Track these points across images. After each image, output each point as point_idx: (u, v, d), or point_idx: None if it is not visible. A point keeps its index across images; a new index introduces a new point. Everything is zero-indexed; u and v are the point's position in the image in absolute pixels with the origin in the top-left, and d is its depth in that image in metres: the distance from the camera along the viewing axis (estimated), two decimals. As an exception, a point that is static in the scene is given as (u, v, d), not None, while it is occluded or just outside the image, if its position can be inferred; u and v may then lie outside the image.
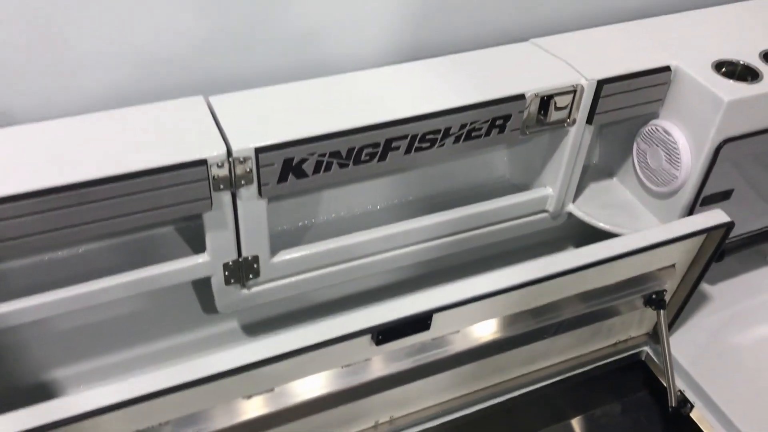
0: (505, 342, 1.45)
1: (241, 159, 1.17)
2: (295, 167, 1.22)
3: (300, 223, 1.53)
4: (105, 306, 1.28)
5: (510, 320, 1.41)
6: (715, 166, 1.46)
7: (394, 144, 1.28)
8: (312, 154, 1.22)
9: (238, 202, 1.23)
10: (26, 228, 1.08)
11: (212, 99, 1.26)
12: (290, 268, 1.38)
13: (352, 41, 1.48)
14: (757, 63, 1.47)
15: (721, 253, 1.70)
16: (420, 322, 1.22)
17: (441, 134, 1.31)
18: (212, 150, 1.16)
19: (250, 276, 1.35)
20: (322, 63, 1.46)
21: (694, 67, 1.44)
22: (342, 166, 1.26)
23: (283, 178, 1.22)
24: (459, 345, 1.38)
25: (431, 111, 1.28)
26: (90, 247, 1.36)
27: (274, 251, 1.36)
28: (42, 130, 1.18)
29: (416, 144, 1.30)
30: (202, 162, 1.15)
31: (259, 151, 1.18)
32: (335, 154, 1.24)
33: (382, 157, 1.29)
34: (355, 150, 1.25)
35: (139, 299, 1.41)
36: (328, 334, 1.14)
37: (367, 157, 1.27)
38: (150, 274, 1.26)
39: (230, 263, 1.32)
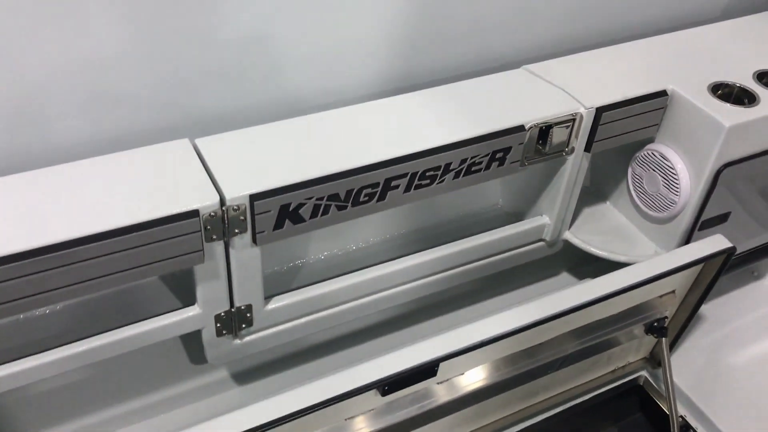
0: (509, 381, 1.40)
1: (236, 207, 1.10)
2: (292, 213, 1.15)
3: (291, 264, 1.45)
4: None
5: (513, 359, 1.36)
6: (715, 191, 1.44)
7: (393, 183, 1.21)
8: (309, 199, 1.15)
9: (231, 252, 1.16)
10: (4, 294, 0.99)
11: (199, 142, 1.18)
12: (285, 315, 1.31)
13: (340, 72, 1.42)
14: (752, 85, 1.45)
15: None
16: (427, 370, 1.16)
17: (441, 170, 1.25)
18: (204, 199, 1.08)
19: (243, 326, 1.27)
20: (308, 97, 1.40)
21: (690, 91, 1.41)
22: (340, 208, 1.19)
23: (279, 224, 1.15)
24: (463, 388, 1.33)
25: (431, 147, 1.22)
26: (69, 301, 1.27)
27: (267, 298, 1.28)
28: (17, 184, 1.08)
29: (416, 182, 1.24)
30: (194, 213, 1.07)
31: (254, 198, 1.10)
32: (333, 197, 1.17)
33: (382, 197, 1.22)
34: (354, 191, 1.18)
35: (122, 355, 1.32)
36: (334, 390, 1.07)
37: (366, 198, 1.21)
38: (136, 332, 1.18)
39: (222, 314, 1.24)
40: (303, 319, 1.34)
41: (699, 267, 1.46)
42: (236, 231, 1.12)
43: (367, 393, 1.12)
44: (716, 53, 1.55)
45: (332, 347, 1.55)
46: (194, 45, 1.23)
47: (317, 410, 1.05)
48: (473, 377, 1.35)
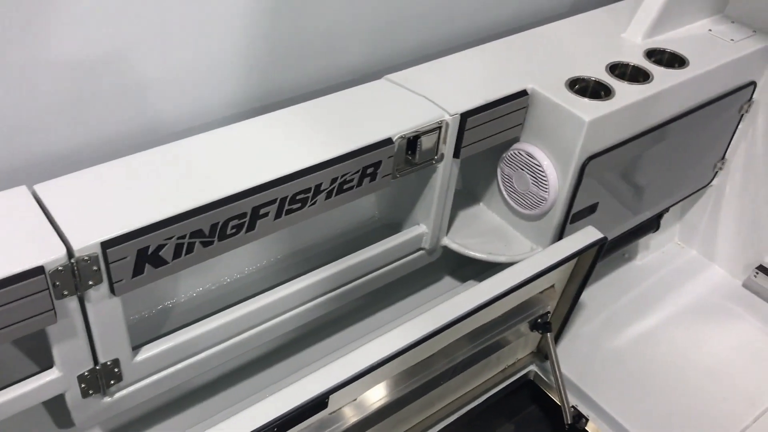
0: (403, 398, 1.37)
1: (86, 258, 0.99)
2: (152, 256, 1.05)
3: (160, 306, 1.34)
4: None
5: (405, 376, 1.33)
6: (581, 184, 1.46)
7: (262, 211, 1.14)
8: (170, 239, 1.05)
9: (88, 306, 1.04)
10: None
11: (38, 188, 1.06)
12: (157, 364, 1.21)
13: (194, 95, 1.33)
14: (606, 78, 1.49)
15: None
16: (317, 405, 1.11)
17: (312, 192, 1.19)
18: (49, 253, 0.96)
19: (112, 382, 1.16)
20: (161, 125, 1.30)
21: (549, 89, 1.43)
22: (206, 244, 1.11)
23: (138, 270, 1.05)
24: (357, 413, 1.28)
25: (299, 169, 1.16)
26: None
27: (135, 348, 1.18)
28: None
29: (287, 207, 1.17)
30: (39, 270, 0.95)
31: (106, 245, 1.00)
32: (197, 234, 1.08)
33: (251, 227, 1.15)
34: (220, 225, 1.10)
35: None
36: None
37: (234, 230, 1.13)
38: (-13, 407, 1.04)
39: (86, 374, 1.12)
40: (178, 366, 1.24)
41: (575, 260, 1.49)
42: (90, 283, 1.01)
43: (258, 436, 1.05)
44: (570, 49, 1.59)
45: (216, 386, 1.45)
46: (15, 70, 1.10)
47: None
48: (367, 400, 1.30)
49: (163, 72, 1.27)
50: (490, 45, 1.57)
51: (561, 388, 1.57)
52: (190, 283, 1.39)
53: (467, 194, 1.70)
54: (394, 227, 1.57)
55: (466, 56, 1.53)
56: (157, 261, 1.06)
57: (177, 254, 1.08)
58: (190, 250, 1.09)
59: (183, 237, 1.07)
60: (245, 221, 1.13)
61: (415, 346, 1.19)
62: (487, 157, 1.56)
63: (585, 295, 1.89)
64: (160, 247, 1.05)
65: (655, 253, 2.04)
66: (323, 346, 1.60)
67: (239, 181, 1.11)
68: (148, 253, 1.04)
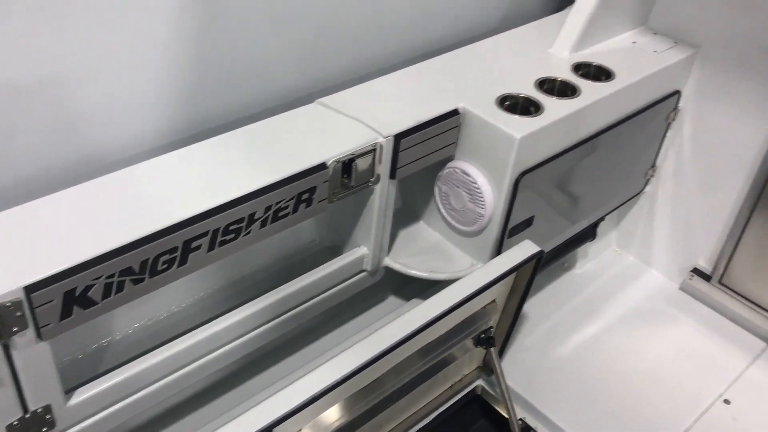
0: (349, 424, 1.36)
1: (8, 304, 0.95)
2: (80, 297, 1.02)
3: (94, 346, 1.30)
4: None
5: (351, 402, 1.32)
6: (516, 199, 1.48)
7: (194, 244, 1.12)
8: (98, 278, 1.02)
9: (13, 353, 1.00)
10: None
11: (-47, 232, 1.01)
12: (93, 407, 1.17)
13: (122, 126, 1.30)
14: (535, 93, 1.51)
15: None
16: (262, 438, 1.09)
17: (246, 222, 1.17)
18: (-34, 302, 0.92)
19: (44, 430, 1.11)
20: (88, 159, 1.26)
21: (479, 107, 1.45)
22: (137, 282, 1.08)
23: (66, 313, 1.01)
24: (304, 443, 1.26)
25: (231, 199, 1.14)
26: None
27: (68, 392, 1.13)
28: None
29: (219, 238, 1.15)
30: (-46, 321, 0.91)
31: (30, 289, 0.96)
32: (126, 272, 1.05)
33: (183, 262, 1.12)
34: (150, 261, 1.07)
35: None
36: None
37: (165, 266, 1.10)
38: None
39: (15, 423, 1.07)
40: (116, 406, 1.20)
41: (514, 274, 1.50)
42: (15, 330, 0.97)
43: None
44: (499, 66, 1.61)
45: (156, 425, 1.41)
46: None
47: None
48: (316, 428, 1.28)
49: (89, 104, 1.24)
50: (421, 65, 1.58)
51: (508, 401, 1.58)
52: (126, 320, 1.35)
53: (407, 213, 1.70)
54: (335, 250, 1.56)
55: (397, 77, 1.54)
56: (86, 302, 1.03)
57: (107, 294, 1.05)
58: (120, 288, 1.06)
59: (112, 276, 1.04)
60: (176, 256, 1.10)
61: (359, 371, 1.18)
62: (424, 176, 1.57)
63: (527, 307, 1.91)
64: (89, 287, 1.02)
65: (593, 261, 2.08)
66: (270, 374, 1.58)
67: (169, 214, 1.09)
68: (75, 295, 1.01)
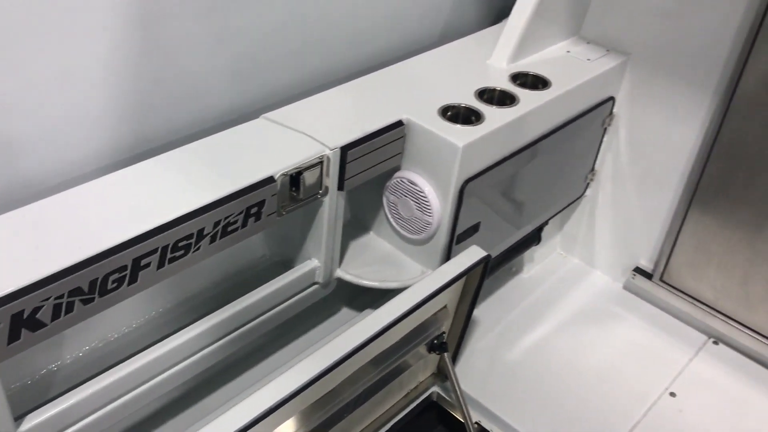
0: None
1: (-47, 330, 0.93)
2: (28, 320, 1.01)
3: (44, 371, 1.28)
4: None
5: (309, 413, 1.32)
6: (462, 206, 1.52)
7: (143, 262, 1.12)
8: (46, 300, 1.01)
9: (-41, 381, 0.98)
10: None
11: None
12: (45, 432, 1.15)
13: (63, 148, 1.29)
14: (475, 103, 1.55)
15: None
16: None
17: (195, 238, 1.18)
18: None
19: (-6, 459, 1.09)
20: (29, 182, 1.25)
21: (423, 117, 1.48)
22: (87, 302, 1.07)
23: (14, 336, 1.00)
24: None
25: (178, 216, 1.14)
26: None
27: (18, 419, 1.12)
28: None
29: (169, 255, 1.15)
30: None
31: (-25, 314, 0.95)
32: (75, 292, 1.05)
33: (133, 280, 1.12)
34: (99, 280, 1.07)
35: None
36: None
37: (115, 284, 1.10)
38: None
39: (-38, 454, 1.05)
40: (69, 430, 1.18)
41: (463, 279, 1.53)
42: (-40, 357, 0.96)
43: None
44: (440, 77, 1.65)
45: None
46: None
47: None
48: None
49: (27, 126, 1.23)
50: (366, 78, 1.61)
51: (463, 406, 1.61)
52: (77, 343, 1.33)
53: (357, 224, 1.72)
54: (287, 264, 1.57)
55: (343, 91, 1.56)
56: (35, 324, 1.02)
57: (56, 315, 1.04)
58: (69, 309, 1.05)
59: (61, 297, 1.03)
60: (126, 274, 1.10)
61: (313, 382, 1.19)
62: (372, 187, 1.60)
63: (478, 312, 1.96)
64: (37, 309, 1.01)
65: (540, 264, 2.13)
66: (226, 390, 1.57)
67: (117, 233, 1.09)
68: (23, 318, 1.00)
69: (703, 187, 1.79)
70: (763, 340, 1.83)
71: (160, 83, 1.38)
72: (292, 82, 1.63)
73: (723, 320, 1.88)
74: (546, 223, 1.96)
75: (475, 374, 1.78)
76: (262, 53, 1.54)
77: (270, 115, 1.44)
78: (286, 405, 1.16)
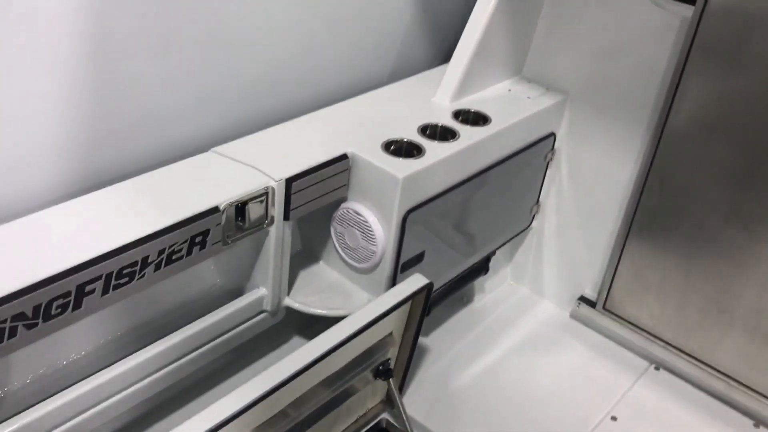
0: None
1: None
2: (-29, 343, 1.05)
3: (-10, 396, 1.31)
4: None
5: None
6: (405, 235, 1.59)
7: (87, 288, 1.16)
8: (-10, 323, 1.05)
9: None
10: None
11: None
12: (-12, 456, 1.18)
13: (10, 182, 1.33)
14: (417, 138, 1.63)
15: (428, 307, 1.85)
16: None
17: (139, 265, 1.23)
18: None
19: (-64, 481, 1.12)
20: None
21: (367, 151, 1.56)
22: (30, 327, 1.11)
23: (-43, 359, 1.04)
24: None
25: (123, 244, 1.20)
26: None
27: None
28: None
29: (113, 282, 1.20)
30: None
31: None
32: (19, 317, 1.09)
33: (77, 305, 1.16)
34: (43, 306, 1.11)
35: None
36: None
37: (59, 310, 1.14)
38: None
39: None
40: (12, 455, 1.21)
41: (407, 306, 1.59)
42: None
43: None
44: (385, 114, 1.73)
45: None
46: None
47: None
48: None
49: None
50: (313, 115, 1.69)
51: (409, 430, 1.65)
52: (26, 369, 1.36)
53: (308, 254, 1.78)
54: (237, 293, 1.62)
55: (290, 126, 1.64)
56: (-23, 348, 1.06)
57: (-1, 339, 1.08)
58: (12, 334, 1.09)
59: (4, 321, 1.07)
60: (70, 300, 1.15)
61: (257, 403, 1.23)
62: (321, 218, 1.66)
63: (429, 341, 2.01)
64: (-20, 333, 1.05)
65: (491, 294, 2.20)
66: (177, 416, 1.60)
67: (60, 260, 1.13)
68: (-34, 341, 1.04)
69: (639, 218, 1.88)
70: (701, 365, 1.90)
71: (110, 118, 1.43)
72: (246, 119, 1.70)
73: (663, 346, 1.96)
74: (493, 253, 2.04)
75: (425, 401, 1.83)
76: (214, 92, 1.61)
77: (219, 148, 1.50)
78: (229, 426, 1.19)
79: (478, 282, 2.15)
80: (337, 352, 1.39)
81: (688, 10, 1.63)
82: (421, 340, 2.02)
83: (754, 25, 1.54)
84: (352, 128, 1.65)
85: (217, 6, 1.52)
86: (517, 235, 2.08)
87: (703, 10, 1.59)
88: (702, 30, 1.61)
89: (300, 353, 1.34)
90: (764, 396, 1.81)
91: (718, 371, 1.87)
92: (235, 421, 1.20)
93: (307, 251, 1.78)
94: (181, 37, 1.48)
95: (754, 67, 1.57)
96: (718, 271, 1.78)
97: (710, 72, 1.63)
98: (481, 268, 2.04)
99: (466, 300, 2.17)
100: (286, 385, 1.27)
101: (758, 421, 1.84)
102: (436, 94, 1.81)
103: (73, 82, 1.34)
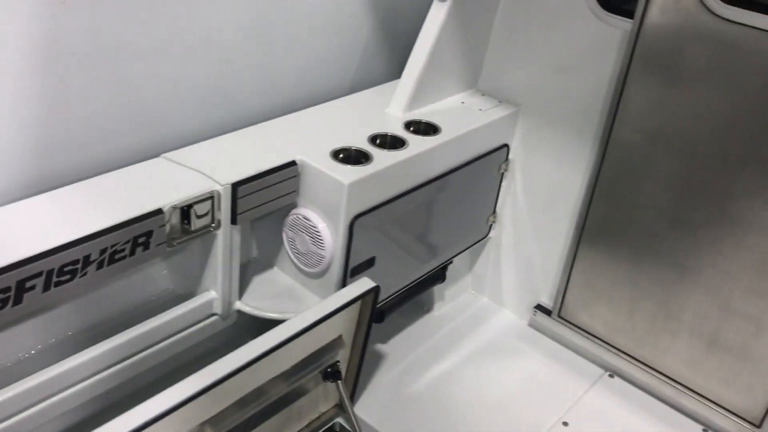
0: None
1: None
2: None
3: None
4: None
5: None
6: (353, 241, 1.63)
7: (27, 284, 1.21)
8: (-73, 316, 1.09)
9: None
10: None
11: None
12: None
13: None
14: (366, 147, 1.68)
15: (380, 313, 1.89)
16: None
17: (81, 264, 1.27)
18: None
19: None
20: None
21: (315, 158, 1.61)
22: (-31, 320, 1.15)
23: None
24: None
25: (64, 243, 1.24)
26: None
27: None
28: None
29: (54, 279, 1.24)
30: None
31: None
32: (-42, 310, 1.13)
33: (18, 301, 1.20)
34: (-18, 300, 1.15)
35: None
36: None
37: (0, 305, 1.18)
38: None
39: None
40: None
41: (356, 309, 1.63)
42: None
43: None
44: (338, 124, 1.78)
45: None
46: None
47: None
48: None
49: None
50: (266, 124, 1.74)
51: (358, 433, 1.68)
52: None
53: (263, 261, 1.82)
54: (189, 297, 1.65)
55: (242, 134, 1.69)
56: None
57: (-64, 332, 1.12)
58: (-49, 326, 1.13)
59: (-59, 314, 1.11)
60: (10, 295, 1.19)
61: (192, 399, 1.26)
62: (274, 223, 1.71)
63: (386, 347, 2.05)
64: None
65: (451, 303, 2.24)
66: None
67: (1, 256, 1.18)
68: None
69: (589, 227, 1.92)
70: (651, 371, 1.93)
71: (61, 125, 1.48)
72: (200, 128, 1.75)
73: (615, 354, 1.99)
74: (450, 261, 2.07)
75: (379, 406, 1.86)
76: (168, 101, 1.66)
77: (169, 154, 1.55)
78: (170, 416, 1.22)
79: (438, 291, 2.19)
80: (283, 351, 1.42)
81: (628, 24, 1.69)
82: (379, 346, 2.06)
83: (687, 39, 1.59)
84: (304, 136, 1.70)
85: (172, 18, 1.57)
86: (475, 244, 2.12)
87: (641, 24, 1.65)
88: (641, 43, 1.67)
89: (240, 352, 1.37)
90: (711, 401, 1.84)
91: (668, 377, 1.90)
92: (172, 416, 1.23)
93: (262, 258, 1.82)
94: (139, 46, 1.54)
95: (689, 79, 1.62)
96: (664, 278, 1.82)
97: (650, 84, 1.68)
98: (438, 276, 2.07)
99: (426, 308, 2.21)
100: (230, 381, 1.30)
101: (707, 426, 1.87)
102: (390, 106, 1.86)
103: (25, 89, 1.39)
